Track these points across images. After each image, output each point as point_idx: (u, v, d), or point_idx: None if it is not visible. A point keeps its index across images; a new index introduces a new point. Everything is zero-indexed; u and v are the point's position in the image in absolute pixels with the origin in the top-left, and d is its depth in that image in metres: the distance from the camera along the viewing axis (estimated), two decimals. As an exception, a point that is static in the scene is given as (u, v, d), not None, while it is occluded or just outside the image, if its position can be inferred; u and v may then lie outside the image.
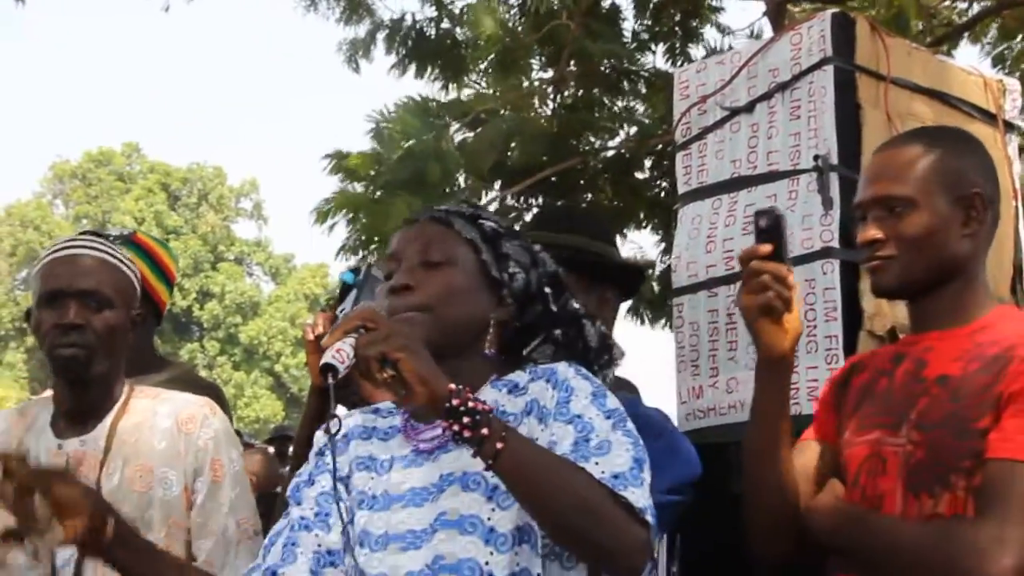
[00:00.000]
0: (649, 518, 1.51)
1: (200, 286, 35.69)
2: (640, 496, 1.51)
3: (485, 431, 1.46)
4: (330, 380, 1.51)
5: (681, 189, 2.86)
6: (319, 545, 1.68)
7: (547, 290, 1.75)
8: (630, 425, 1.61)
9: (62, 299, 2.12)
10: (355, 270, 2.18)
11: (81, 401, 2.19)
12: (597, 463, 1.51)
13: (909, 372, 1.80)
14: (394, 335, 1.52)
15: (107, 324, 2.15)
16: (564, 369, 1.65)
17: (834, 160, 2.52)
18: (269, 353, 35.28)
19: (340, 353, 1.52)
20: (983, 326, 1.79)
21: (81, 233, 2.34)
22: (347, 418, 1.82)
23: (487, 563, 1.53)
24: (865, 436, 1.80)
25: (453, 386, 1.48)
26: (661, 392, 2.86)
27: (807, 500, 1.83)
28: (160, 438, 2.17)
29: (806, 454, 1.89)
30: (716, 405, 2.62)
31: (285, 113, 72.14)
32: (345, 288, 2.17)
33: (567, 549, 1.54)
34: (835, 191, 2.50)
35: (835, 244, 2.48)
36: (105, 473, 2.13)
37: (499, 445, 1.46)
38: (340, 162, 6.06)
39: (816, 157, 2.54)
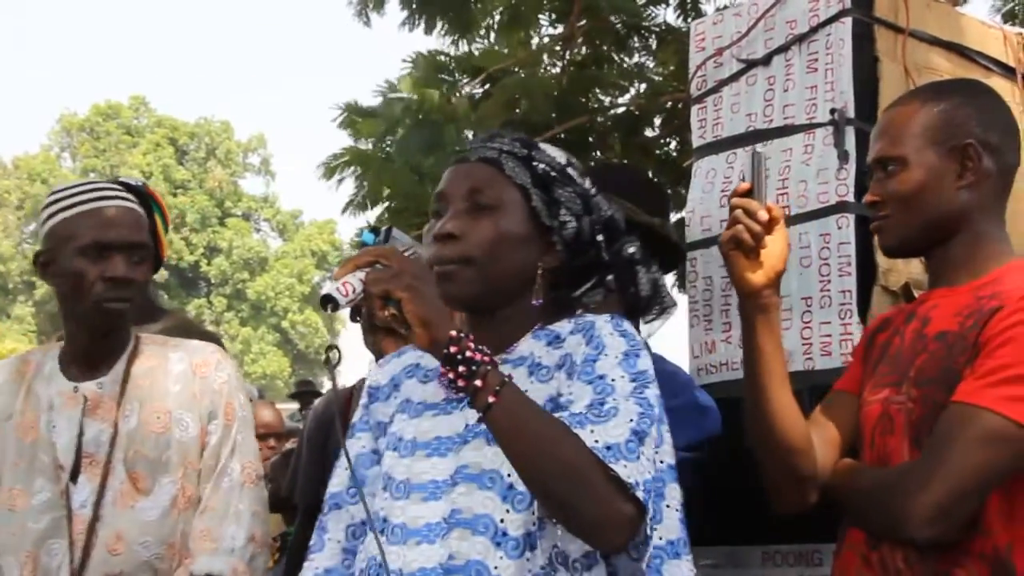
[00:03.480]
0: (640, 494, 1.41)
1: (207, 242, 35.69)
2: (632, 471, 1.42)
3: (479, 383, 1.42)
4: (329, 311, 1.49)
5: (696, 143, 2.85)
6: (352, 518, 1.68)
7: (599, 237, 1.67)
8: (651, 391, 1.52)
9: (110, 251, 2.14)
10: (375, 230, 2.15)
11: (101, 347, 2.22)
12: (592, 431, 1.43)
13: (916, 330, 1.79)
14: (403, 274, 1.47)
15: (145, 277, 2.22)
16: (602, 324, 1.58)
17: (851, 113, 2.51)
18: (276, 309, 35.37)
19: (345, 286, 1.49)
20: (989, 281, 1.74)
21: (114, 181, 2.33)
22: (401, 355, 1.78)
23: (502, 520, 1.51)
24: (877, 395, 1.79)
25: (454, 333, 1.43)
26: (673, 347, 2.86)
27: (830, 450, 1.81)
28: (174, 381, 2.21)
29: (833, 404, 1.87)
30: (728, 360, 2.62)
31: (293, 68, 71.94)
32: (364, 248, 2.14)
33: (552, 516, 1.49)
34: (851, 145, 2.49)
35: (850, 198, 2.47)
36: (122, 414, 2.16)
37: (491, 399, 1.42)
38: (351, 115, 6.02)
39: (832, 111, 2.52)
